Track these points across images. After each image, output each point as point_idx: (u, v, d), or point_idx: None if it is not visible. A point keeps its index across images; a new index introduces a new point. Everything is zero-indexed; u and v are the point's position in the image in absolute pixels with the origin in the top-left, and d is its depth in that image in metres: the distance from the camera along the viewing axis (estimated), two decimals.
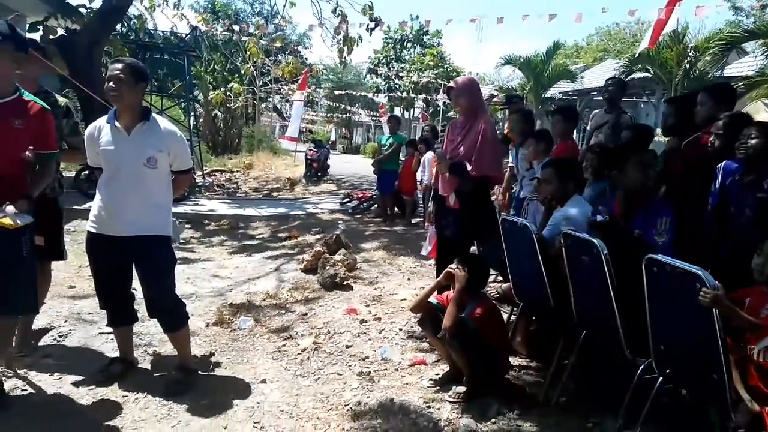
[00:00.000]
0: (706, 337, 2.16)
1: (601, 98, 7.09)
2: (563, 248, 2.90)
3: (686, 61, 11.86)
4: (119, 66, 2.96)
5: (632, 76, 13.51)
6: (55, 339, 3.80)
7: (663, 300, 2.38)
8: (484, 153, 3.78)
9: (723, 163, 3.21)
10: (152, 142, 3.02)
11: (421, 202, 8.94)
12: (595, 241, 2.60)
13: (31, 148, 2.91)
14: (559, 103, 16.30)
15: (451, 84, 4.03)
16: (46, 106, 3.02)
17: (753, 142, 2.95)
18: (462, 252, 3.62)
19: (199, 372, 3.39)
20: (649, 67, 12.92)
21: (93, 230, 3.11)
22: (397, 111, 33.62)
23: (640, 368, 2.60)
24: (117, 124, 3.02)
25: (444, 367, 3.48)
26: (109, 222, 3.06)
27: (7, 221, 2.71)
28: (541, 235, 3.21)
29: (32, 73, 3.39)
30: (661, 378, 2.50)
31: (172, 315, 3.22)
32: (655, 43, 8.52)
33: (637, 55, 12.02)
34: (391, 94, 30.33)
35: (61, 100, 3.54)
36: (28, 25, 9.33)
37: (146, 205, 3.06)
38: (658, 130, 6.44)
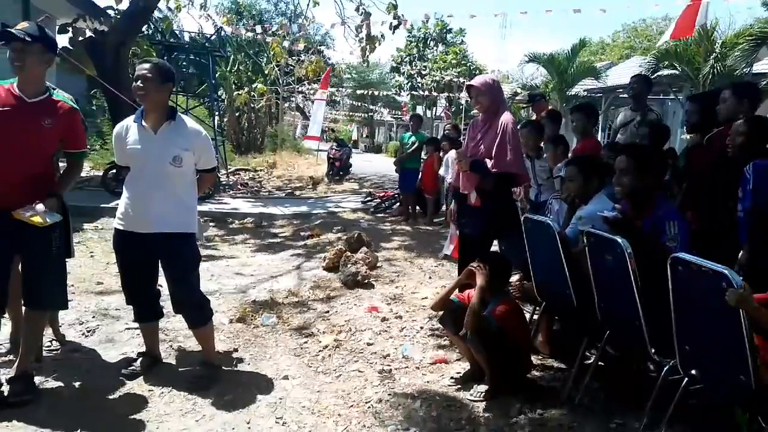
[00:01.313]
0: (732, 337, 2.12)
1: (626, 96, 6.98)
2: (586, 247, 2.87)
3: (713, 57, 11.59)
4: (146, 66, 3.02)
5: (659, 73, 13.26)
6: (83, 334, 3.89)
7: (688, 300, 2.34)
8: (505, 150, 3.76)
9: (751, 164, 3.13)
10: (178, 141, 3.07)
11: (444, 200, 8.91)
12: (619, 239, 2.57)
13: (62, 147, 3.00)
14: (584, 101, 16.09)
15: (471, 82, 4.01)
16: (75, 106, 3.08)
17: None
18: (483, 250, 3.60)
19: (223, 367, 3.44)
20: (676, 64, 12.65)
21: (120, 227, 3.17)
22: (420, 109, 33.57)
23: (665, 369, 2.56)
24: (144, 123, 3.08)
25: (465, 366, 3.47)
26: (136, 219, 3.12)
27: (37, 219, 2.79)
28: (564, 233, 3.18)
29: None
30: (686, 379, 2.46)
31: (197, 311, 3.27)
32: (679, 36, 8.30)
33: (662, 46, 11.75)
34: (413, 93, 30.28)
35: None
36: (57, 27, 9.55)
37: (172, 203, 3.11)
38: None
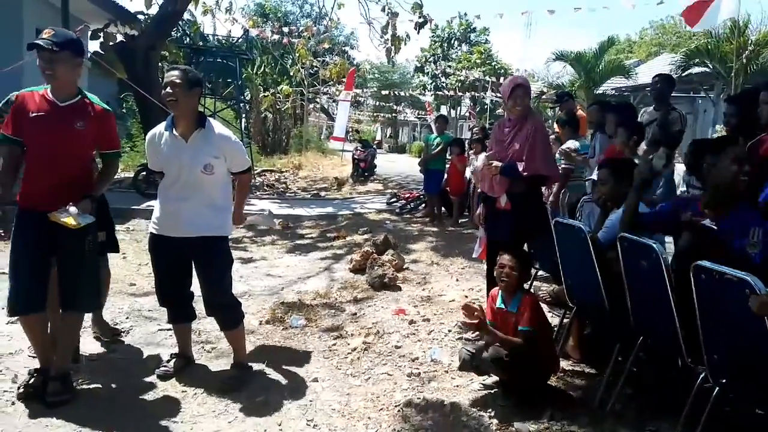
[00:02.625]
0: (760, 344, 2.07)
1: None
2: (620, 252, 2.83)
3: (745, 54, 11.33)
4: (175, 72, 3.06)
5: (690, 70, 13.03)
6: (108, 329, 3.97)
7: (713, 308, 2.30)
8: (537, 152, 3.74)
9: None
10: (208, 150, 3.12)
11: (471, 201, 8.86)
12: (654, 245, 2.53)
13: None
14: (613, 100, 15.86)
15: (521, 82, 3.95)
16: (108, 108, 3.14)
17: None
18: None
19: (253, 369, 3.48)
20: (707, 61, 12.42)
21: (155, 231, 3.24)
22: (444, 109, 33.46)
23: (700, 377, 2.51)
24: (175, 131, 3.13)
25: None
26: (170, 224, 3.19)
27: (71, 221, 2.82)
28: (596, 237, 3.14)
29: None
30: (717, 388, 2.41)
31: (229, 313, 3.32)
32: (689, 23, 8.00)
33: (693, 38, 11.41)
34: (437, 93, 30.22)
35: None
36: (90, 33, 9.77)
37: (205, 208, 3.17)
38: (718, 126, 6.18)
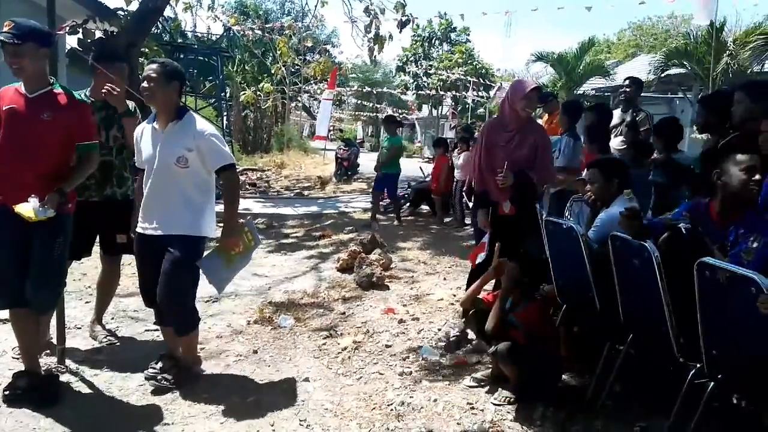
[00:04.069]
0: (762, 341, 2.11)
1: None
2: (611, 250, 2.86)
3: (725, 56, 11.54)
4: (152, 66, 3.01)
5: (668, 71, 13.23)
6: (103, 335, 3.90)
7: (716, 305, 2.33)
8: (548, 161, 3.84)
9: None
10: (182, 141, 3.02)
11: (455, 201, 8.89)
12: (647, 244, 2.56)
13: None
14: (592, 100, 16.05)
15: (539, 86, 4.02)
16: (80, 97, 3.06)
17: None
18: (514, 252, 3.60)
19: (201, 372, 3.40)
20: (685, 62, 12.62)
21: (138, 229, 3.19)
22: (426, 109, 33.55)
23: (692, 373, 2.55)
24: (155, 124, 3.09)
25: (486, 367, 3.47)
26: (147, 221, 3.13)
27: (28, 213, 2.68)
28: (587, 236, 3.17)
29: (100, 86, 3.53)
30: (713, 383, 2.45)
31: (181, 319, 3.20)
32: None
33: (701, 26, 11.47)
34: (419, 92, 30.29)
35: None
36: (68, 29, 9.58)
37: (177, 205, 3.07)
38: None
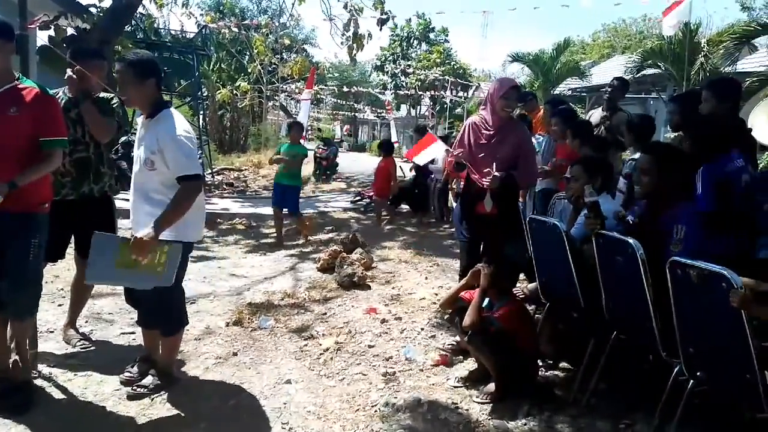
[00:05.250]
0: (735, 336, 2.12)
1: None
2: (595, 248, 2.86)
3: (699, 56, 11.75)
4: (120, 65, 2.87)
5: (643, 72, 13.43)
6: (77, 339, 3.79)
7: (689, 302, 2.34)
8: (531, 163, 3.84)
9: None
10: (148, 143, 2.88)
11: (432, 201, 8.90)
12: (631, 241, 2.56)
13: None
14: (568, 101, 16.21)
15: (517, 85, 3.99)
16: (48, 91, 2.93)
17: None
18: (492, 252, 3.59)
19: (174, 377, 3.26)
20: (660, 63, 12.83)
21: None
22: (404, 108, 33.58)
23: (675, 370, 2.56)
24: (142, 117, 3.01)
25: (469, 366, 3.46)
26: (132, 221, 3.06)
27: None
28: (569, 233, 3.17)
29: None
30: (692, 380, 2.46)
31: (164, 317, 3.12)
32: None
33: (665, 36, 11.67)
34: (398, 92, 30.32)
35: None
36: (38, 24, 9.32)
37: (152, 208, 2.89)
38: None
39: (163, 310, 3.08)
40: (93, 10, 10.71)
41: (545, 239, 3.25)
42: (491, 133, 3.88)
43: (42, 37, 9.61)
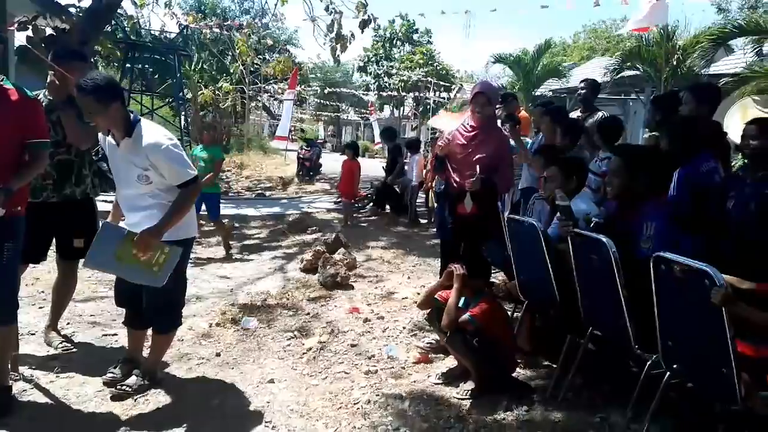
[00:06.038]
0: (714, 331, 2.20)
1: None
2: (570, 247, 2.94)
3: (675, 58, 11.96)
4: (80, 96, 2.81)
5: (622, 73, 13.63)
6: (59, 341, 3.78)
7: (671, 297, 2.42)
8: (509, 168, 3.93)
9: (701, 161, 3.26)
10: (137, 161, 2.88)
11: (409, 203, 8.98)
12: (604, 239, 2.64)
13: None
14: (550, 102, 16.38)
15: (483, 90, 4.00)
16: (30, 93, 2.92)
17: (756, 143, 3.00)
18: (468, 252, 3.66)
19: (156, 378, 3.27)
20: (638, 65, 13.03)
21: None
22: (387, 109, 33.65)
23: (648, 364, 2.64)
24: (111, 139, 2.97)
25: (450, 363, 3.52)
26: (130, 227, 3.03)
27: None
28: (546, 232, 3.25)
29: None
30: (668, 373, 2.54)
31: (162, 314, 3.14)
32: (638, 29, 8.35)
33: (626, 36, 11.96)
34: (381, 93, 30.38)
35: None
36: (16, 25, 9.22)
37: (153, 214, 2.94)
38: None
39: (167, 307, 3.13)
40: (72, 10, 10.62)
41: (523, 238, 3.33)
42: (470, 135, 3.96)
43: (20, 38, 9.51)
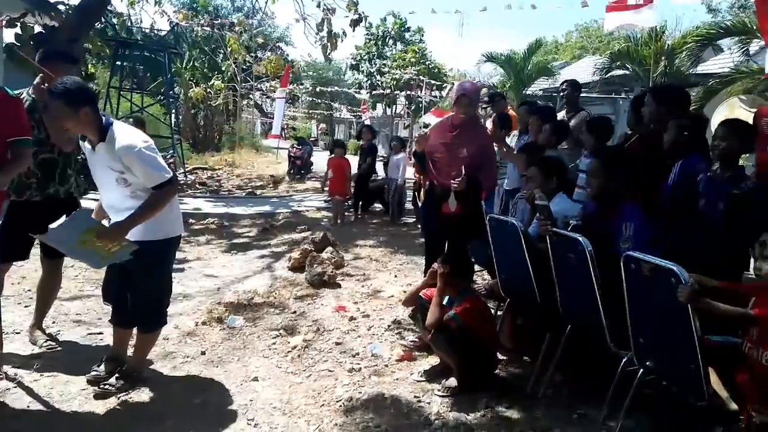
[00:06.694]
0: (682, 328, 2.25)
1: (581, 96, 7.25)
2: (549, 245, 2.98)
3: (663, 58, 12.07)
4: (51, 101, 2.81)
5: (612, 72, 13.74)
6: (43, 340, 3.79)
7: (641, 295, 2.47)
8: (493, 165, 3.95)
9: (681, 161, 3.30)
10: (113, 164, 2.88)
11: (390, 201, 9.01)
12: (581, 238, 2.68)
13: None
14: (541, 101, 16.47)
15: (465, 91, 4.06)
16: (11, 92, 2.93)
17: (725, 143, 3.05)
18: (451, 251, 3.71)
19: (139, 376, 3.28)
20: (627, 65, 13.15)
21: None
22: (380, 107, 33.65)
23: (623, 361, 2.69)
24: (86, 144, 2.98)
25: (433, 361, 3.55)
26: None
27: None
28: (527, 231, 3.29)
29: None
30: (642, 370, 2.59)
31: (145, 313, 3.16)
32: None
33: (606, 32, 12.10)
34: (373, 91, 30.39)
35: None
36: (4, 22, 9.17)
37: (127, 212, 2.93)
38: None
39: (152, 306, 3.15)
40: (61, 7, 10.56)
41: (504, 238, 3.37)
42: (453, 134, 4.02)
43: (9, 36, 9.47)
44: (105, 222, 3.07)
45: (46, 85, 3.30)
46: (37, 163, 3.39)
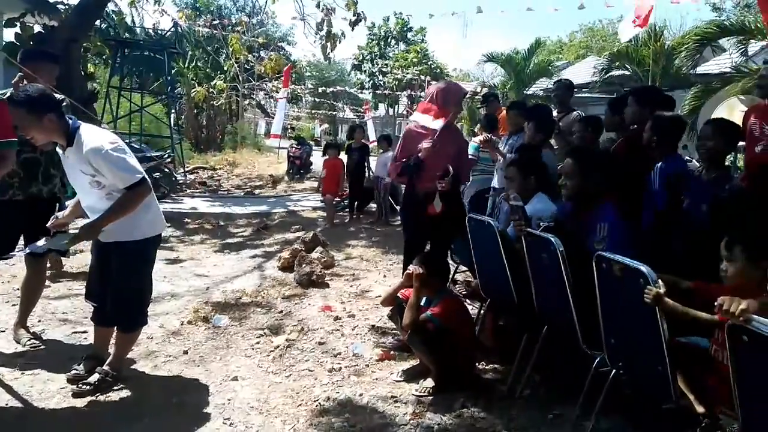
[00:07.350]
0: (650, 330, 2.25)
1: (580, 95, 7.28)
2: (524, 246, 2.98)
3: (662, 58, 12.03)
4: (12, 109, 2.80)
5: (611, 73, 13.71)
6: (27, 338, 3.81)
7: (612, 295, 2.47)
8: (467, 161, 4.03)
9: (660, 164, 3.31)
10: (83, 168, 2.89)
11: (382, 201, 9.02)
12: (552, 239, 2.68)
13: None
14: (541, 101, 16.43)
15: (464, 93, 4.25)
16: None
17: (710, 143, 3.04)
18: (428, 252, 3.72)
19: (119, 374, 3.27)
20: (627, 65, 13.11)
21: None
22: (382, 107, 33.66)
23: (596, 361, 2.69)
24: (59, 149, 3.00)
25: (414, 361, 3.56)
26: None
27: None
28: (505, 231, 3.29)
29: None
30: (614, 371, 2.59)
31: (124, 313, 3.17)
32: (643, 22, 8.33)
33: (622, 42, 12.08)
34: (376, 91, 30.43)
35: None
36: (4, 22, 9.24)
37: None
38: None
39: (131, 306, 3.16)
40: (60, 7, 10.61)
41: (483, 238, 3.37)
42: (436, 134, 4.01)
43: (8, 34, 9.53)
44: (80, 221, 3.10)
45: (22, 84, 3.33)
46: (19, 163, 3.42)
